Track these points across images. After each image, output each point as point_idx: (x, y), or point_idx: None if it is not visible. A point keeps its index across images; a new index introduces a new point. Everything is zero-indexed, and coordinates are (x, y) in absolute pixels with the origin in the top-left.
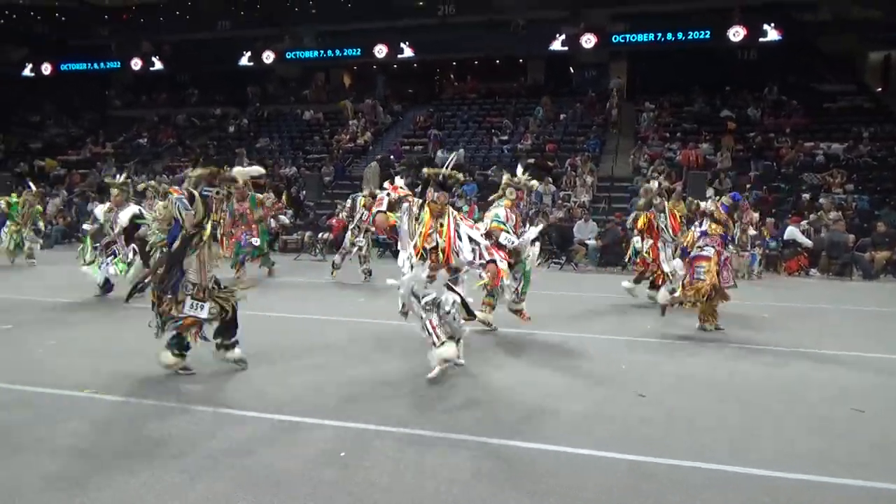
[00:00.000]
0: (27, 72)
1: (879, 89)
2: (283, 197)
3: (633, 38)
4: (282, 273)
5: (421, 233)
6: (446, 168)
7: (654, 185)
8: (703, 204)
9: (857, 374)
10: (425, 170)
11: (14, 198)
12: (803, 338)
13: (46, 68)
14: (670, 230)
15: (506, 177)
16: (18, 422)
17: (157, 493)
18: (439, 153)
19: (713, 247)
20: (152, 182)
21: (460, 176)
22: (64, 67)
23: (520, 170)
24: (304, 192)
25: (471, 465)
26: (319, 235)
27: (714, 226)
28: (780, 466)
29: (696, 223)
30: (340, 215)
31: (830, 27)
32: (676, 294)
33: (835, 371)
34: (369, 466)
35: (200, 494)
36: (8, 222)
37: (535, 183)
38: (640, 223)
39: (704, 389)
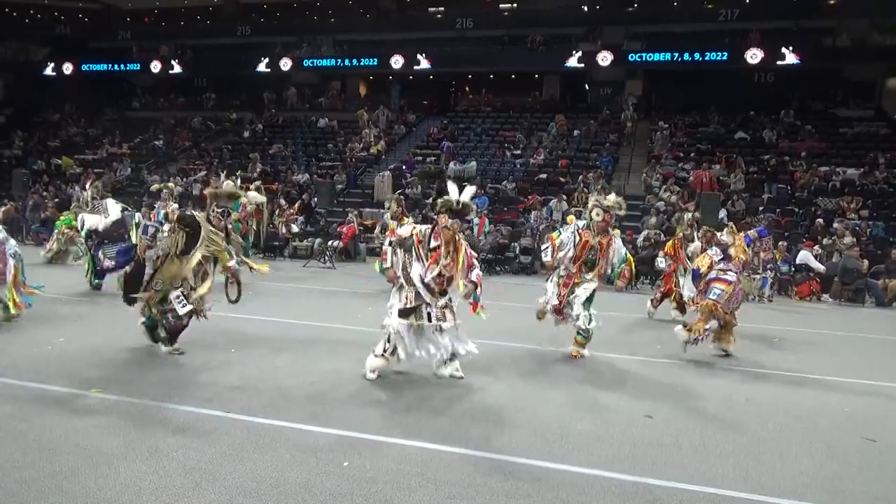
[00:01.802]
0: (49, 71)
1: None
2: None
3: (650, 56)
4: (291, 279)
5: (431, 258)
6: (462, 198)
7: (688, 215)
8: (722, 236)
9: (869, 402)
10: (440, 200)
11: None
12: (814, 364)
13: (68, 68)
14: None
15: (593, 198)
16: (24, 417)
17: (162, 498)
18: (451, 165)
19: (735, 272)
20: (169, 183)
21: (473, 205)
22: (85, 68)
23: (612, 197)
24: (315, 199)
25: (473, 479)
26: (329, 243)
27: (739, 253)
28: (790, 494)
29: (713, 250)
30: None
31: (849, 53)
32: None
33: (846, 399)
34: (372, 477)
35: (204, 499)
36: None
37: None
38: (667, 247)
39: (714, 413)
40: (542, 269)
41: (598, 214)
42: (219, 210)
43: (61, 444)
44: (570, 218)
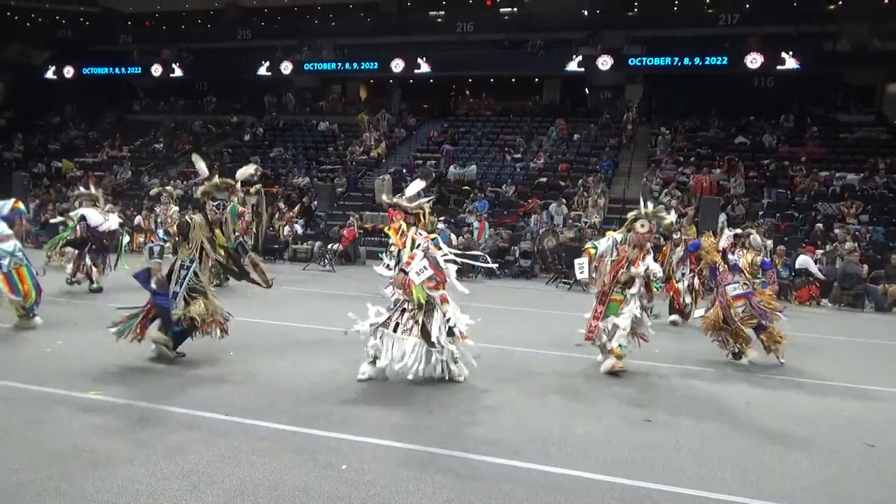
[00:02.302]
0: (50, 74)
1: None
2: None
3: (650, 61)
4: (291, 282)
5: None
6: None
7: (673, 219)
8: (722, 238)
9: (868, 406)
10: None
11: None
12: (814, 368)
13: (69, 71)
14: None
15: (636, 210)
16: (22, 421)
17: (160, 501)
18: (452, 168)
19: (747, 282)
20: (168, 187)
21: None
22: (86, 71)
23: (651, 205)
24: (315, 202)
25: (471, 482)
26: (329, 246)
27: (748, 264)
28: (789, 498)
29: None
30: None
31: (850, 58)
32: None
33: (845, 403)
34: (370, 480)
35: (202, 502)
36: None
37: (669, 219)
38: (663, 250)
39: (713, 416)
40: (541, 273)
41: (643, 226)
42: (214, 204)
43: (59, 447)
44: (610, 233)
